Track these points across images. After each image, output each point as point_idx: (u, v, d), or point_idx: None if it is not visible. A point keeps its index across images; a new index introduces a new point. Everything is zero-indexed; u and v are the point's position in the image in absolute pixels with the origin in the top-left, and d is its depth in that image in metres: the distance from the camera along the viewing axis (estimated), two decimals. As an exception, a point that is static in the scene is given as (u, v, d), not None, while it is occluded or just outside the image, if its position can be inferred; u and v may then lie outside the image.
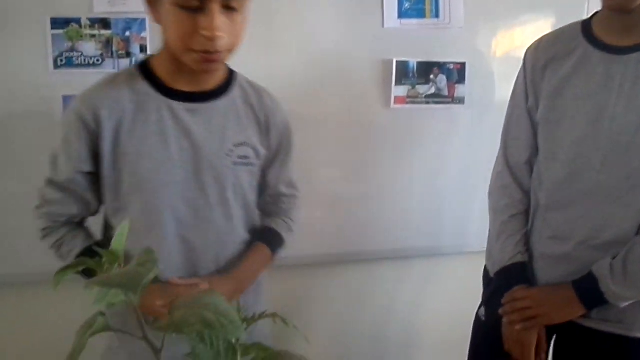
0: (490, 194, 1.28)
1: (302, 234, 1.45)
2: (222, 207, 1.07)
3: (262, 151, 1.11)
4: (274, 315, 0.64)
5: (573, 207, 1.12)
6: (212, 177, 1.04)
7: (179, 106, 1.01)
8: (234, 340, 0.50)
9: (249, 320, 0.65)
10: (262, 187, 1.16)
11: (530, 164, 1.22)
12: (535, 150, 1.21)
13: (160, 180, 1.01)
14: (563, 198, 1.13)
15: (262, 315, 0.65)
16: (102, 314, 0.55)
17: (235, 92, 1.07)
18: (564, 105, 1.11)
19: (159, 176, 1.01)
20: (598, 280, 1.04)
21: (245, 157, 1.07)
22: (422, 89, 1.58)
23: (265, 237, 1.15)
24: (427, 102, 1.60)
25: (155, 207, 1.02)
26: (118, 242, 0.56)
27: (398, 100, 1.57)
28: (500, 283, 1.18)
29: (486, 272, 1.30)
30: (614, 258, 1.05)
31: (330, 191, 1.63)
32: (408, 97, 1.58)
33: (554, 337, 1.21)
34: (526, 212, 1.23)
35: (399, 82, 1.56)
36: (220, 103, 1.05)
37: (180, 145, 1.01)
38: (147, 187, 1.01)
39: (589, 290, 1.06)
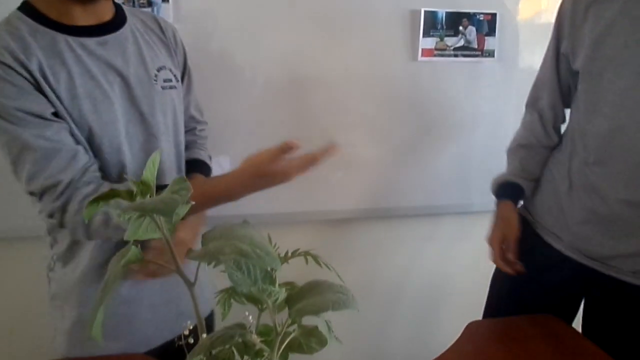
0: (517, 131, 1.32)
1: (330, 191, 1.44)
2: (166, 135, 1.06)
3: (178, 73, 1.10)
4: (306, 253, 0.63)
5: (614, 163, 1.08)
6: (148, 105, 1.02)
7: (90, 42, 0.96)
8: (269, 269, 0.48)
9: (282, 258, 0.63)
10: None
11: (554, 108, 1.23)
12: (559, 95, 1.21)
13: (103, 119, 0.96)
14: (605, 153, 1.09)
15: (295, 253, 0.63)
16: (134, 244, 0.55)
17: (131, 20, 1.05)
18: (609, 54, 1.05)
19: (101, 116, 0.96)
20: None
21: (169, 80, 1.07)
22: (451, 41, 1.53)
23: (200, 170, 1.15)
24: (456, 55, 1.55)
25: (107, 147, 0.98)
26: (150, 172, 0.54)
27: (425, 52, 1.53)
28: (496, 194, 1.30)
29: None
30: None
31: (355, 149, 1.60)
32: (436, 49, 1.53)
33: (583, 300, 1.24)
34: (545, 149, 1.27)
35: (426, 33, 1.51)
36: (125, 32, 1.02)
37: (107, 79, 0.97)
38: (93, 128, 0.96)
39: None
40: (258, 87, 1.49)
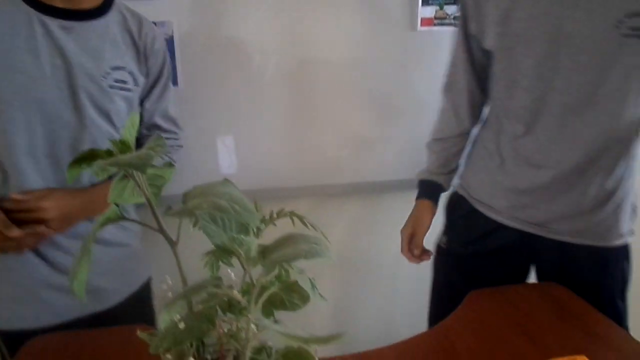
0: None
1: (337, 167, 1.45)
2: (99, 130, 1.06)
3: (141, 78, 1.11)
4: (292, 213, 0.62)
5: (542, 131, 1.11)
6: (88, 98, 1.03)
7: (53, 22, 0.99)
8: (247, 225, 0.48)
9: (267, 220, 0.63)
10: (140, 120, 1.15)
11: (471, 91, 1.25)
12: (475, 76, 1.23)
13: (33, 96, 0.99)
14: (531, 124, 1.12)
15: (281, 213, 0.63)
16: (116, 204, 0.55)
17: (113, 15, 1.07)
18: (517, 28, 1.06)
19: (30, 92, 0.99)
20: None
21: (123, 82, 1.07)
22: (451, 9, 1.50)
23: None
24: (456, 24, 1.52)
25: (28, 124, 1.00)
26: (129, 132, 0.54)
27: (425, 22, 1.50)
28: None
29: (448, 201, 1.37)
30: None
31: (347, 120, 1.59)
32: (435, 18, 1.50)
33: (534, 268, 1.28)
34: (461, 137, 1.31)
35: (425, 2, 1.49)
36: (98, 24, 1.04)
37: (53, 62, 1.00)
38: (19, 103, 0.99)
39: None
40: (259, 65, 1.48)
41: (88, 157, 0.53)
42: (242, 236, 0.44)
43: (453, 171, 1.36)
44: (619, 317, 1.20)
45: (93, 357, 0.93)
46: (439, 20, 1.51)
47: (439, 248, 1.37)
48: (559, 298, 1.15)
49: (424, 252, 1.35)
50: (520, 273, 1.29)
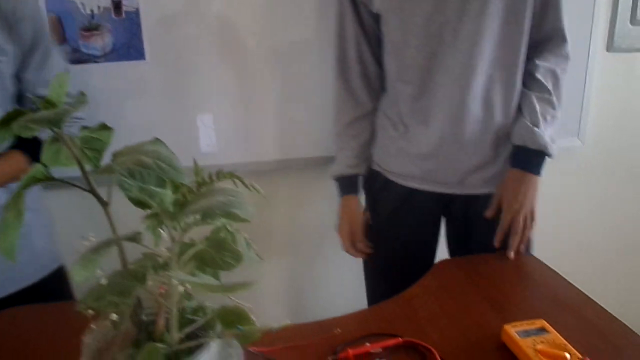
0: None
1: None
2: None
3: (9, 48, 1.03)
4: (230, 174, 0.62)
5: (440, 89, 1.12)
6: None
7: None
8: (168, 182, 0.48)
9: (206, 182, 0.63)
10: (20, 95, 1.10)
11: (364, 61, 1.24)
12: (367, 45, 1.22)
13: None
14: (428, 84, 1.13)
15: (220, 175, 0.62)
16: (44, 165, 0.54)
17: None
18: None
19: None
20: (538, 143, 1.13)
21: None
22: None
23: (23, 144, 1.07)
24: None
25: None
26: (54, 91, 0.53)
27: None
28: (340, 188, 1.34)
29: (365, 178, 1.36)
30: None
31: (326, 93, 1.57)
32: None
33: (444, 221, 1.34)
34: (364, 117, 1.30)
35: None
36: None
37: None
38: None
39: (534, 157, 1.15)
40: (242, 44, 1.46)
41: (13, 116, 0.53)
42: (156, 188, 0.43)
43: (367, 156, 1.34)
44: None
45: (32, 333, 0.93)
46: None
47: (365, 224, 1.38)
48: (526, 267, 1.16)
49: (367, 247, 1.35)
50: (436, 231, 1.35)
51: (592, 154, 1.87)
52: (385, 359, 0.84)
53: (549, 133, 1.14)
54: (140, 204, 0.43)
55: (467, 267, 1.15)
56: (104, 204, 0.55)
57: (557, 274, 1.12)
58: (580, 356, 0.80)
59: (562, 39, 1.16)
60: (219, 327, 0.54)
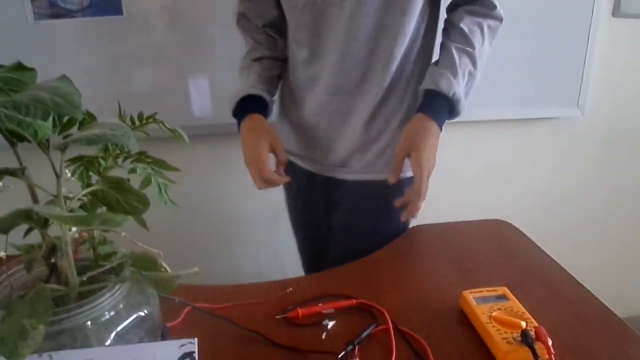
0: None
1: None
2: None
3: None
4: (154, 118, 0.59)
5: (328, 55, 1.03)
6: None
7: None
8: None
9: (135, 127, 0.60)
10: None
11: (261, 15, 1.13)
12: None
13: None
14: (315, 47, 1.04)
15: (143, 117, 0.60)
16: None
17: None
18: None
19: None
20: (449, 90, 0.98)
21: None
22: None
23: None
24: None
25: None
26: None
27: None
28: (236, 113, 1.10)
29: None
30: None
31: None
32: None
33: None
34: (273, 59, 1.15)
35: None
36: None
37: None
38: None
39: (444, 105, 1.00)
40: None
41: None
42: (40, 121, 0.41)
43: (273, 97, 1.13)
44: None
45: None
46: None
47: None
48: (503, 235, 1.12)
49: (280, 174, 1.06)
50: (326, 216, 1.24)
51: (592, 124, 1.80)
52: (335, 320, 0.82)
53: (462, 88, 1.00)
54: (14, 135, 0.41)
55: (442, 234, 1.12)
56: (13, 145, 0.53)
57: (533, 242, 1.08)
58: (536, 324, 0.77)
59: (490, 5, 1.03)
60: (128, 271, 0.53)
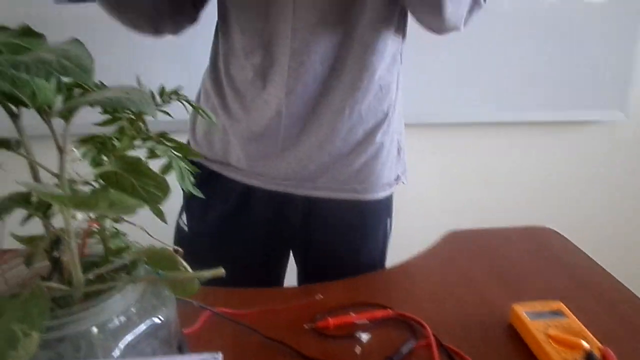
0: None
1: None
2: None
3: None
4: (176, 93, 0.52)
5: (277, 47, 0.84)
6: None
7: None
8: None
9: (158, 99, 0.53)
10: None
11: None
12: None
13: None
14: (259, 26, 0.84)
15: (165, 92, 0.52)
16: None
17: None
18: None
19: None
20: None
21: None
22: None
23: None
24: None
25: None
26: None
27: None
28: None
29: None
30: None
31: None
32: None
33: None
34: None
35: None
36: None
37: None
38: None
39: None
40: None
41: None
42: (30, 78, 0.34)
43: None
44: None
45: None
46: None
47: (179, 231, 1.02)
48: (547, 242, 1.02)
49: None
50: (277, 242, 1.03)
51: (637, 128, 1.69)
52: (370, 331, 0.73)
53: None
54: (10, 99, 0.34)
55: (479, 241, 1.02)
56: (14, 115, 0.46)
57: (580, 250, 0.98)
58: (600, 345, 0.67)
59: None
60: (142, 270, 0.45)
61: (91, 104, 0.33)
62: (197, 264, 0.74)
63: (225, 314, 0.74)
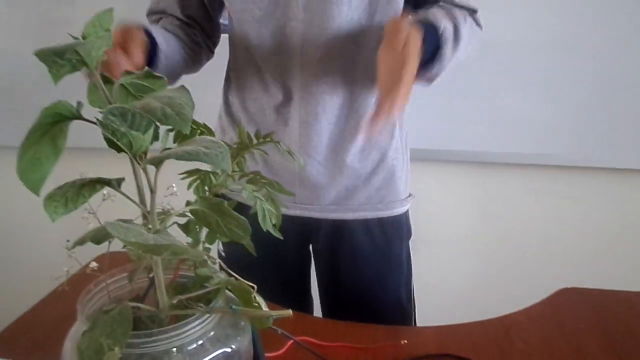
0: None
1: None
2: None
3: None
4: (271, 138, 0.55)
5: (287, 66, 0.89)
6: None
7: None
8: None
9: (246, 144, 0.57)
10: None
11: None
12: None
13: None
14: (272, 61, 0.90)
15: (260, 137, 0.56)
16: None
17: None
18: None
19: None
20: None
21: None
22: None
23: None
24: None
25: None
26: (93, 28, 0.51)
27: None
28: None
29: None
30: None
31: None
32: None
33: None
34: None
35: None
36: None
37: None
38: None
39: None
40: None
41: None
42: (138, 133, 0.39)
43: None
44: (406, 317, 1.03)
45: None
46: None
47: (220, 257, 1.05)
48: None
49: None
50: (303, 259, 1.09)
51: None
52: (453, 387, 0.70)
53: (450, 30, 0.81)
54: (112, 144, 0.39)
55: (593, 301, 0.93)
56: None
57: None
58: None
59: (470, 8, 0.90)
60: (220, 301, 0.48)
61: (176, 158, 0.37)
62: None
63: (309, 345, 0.75)
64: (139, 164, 0.40)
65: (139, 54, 0.77)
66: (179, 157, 0.37)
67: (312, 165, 0.93)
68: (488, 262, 1.72)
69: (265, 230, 0.51)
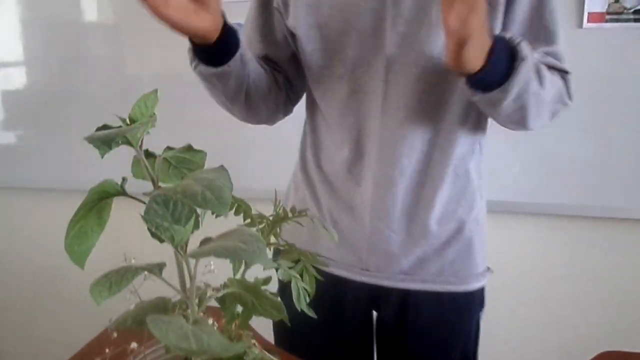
0: None
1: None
2: None
3: None
4: (300, 213, 0.56)
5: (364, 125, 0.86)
6: None
7: None
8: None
9: (280, 217, 0.58)
10: None
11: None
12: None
13: None
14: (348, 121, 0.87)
15: (295, 212, 0.57)
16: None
17: None
18: (333, 15, 0.82)
19: None
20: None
21: None
22: (630, 2, 1.23)
23: None
24: (636, 20, 1.24)
25: None
26: (140, 110, 0.54)
27: (593, 17, 1.26)
28: None
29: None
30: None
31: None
32: (608, 13, 1.25)
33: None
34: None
35: (595, -7, 1.25)
36: None
37: None
38: None
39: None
40: None
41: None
42: (179, 226, 0.40)
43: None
44: None
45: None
46: (613, 15, 1.25)
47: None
48: None
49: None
50: (366, 327, 1.01)
51: None
52: None
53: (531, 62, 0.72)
54: (156, 236, 0.41)
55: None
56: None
57: None
58: None
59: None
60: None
61: (215, 255, 0.39)
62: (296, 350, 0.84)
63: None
64: (181, 255, 0.42)
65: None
66: (218, 254, 0.39)
67: (383, 232, 0.90)
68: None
69: (299, 309, 0.52)
